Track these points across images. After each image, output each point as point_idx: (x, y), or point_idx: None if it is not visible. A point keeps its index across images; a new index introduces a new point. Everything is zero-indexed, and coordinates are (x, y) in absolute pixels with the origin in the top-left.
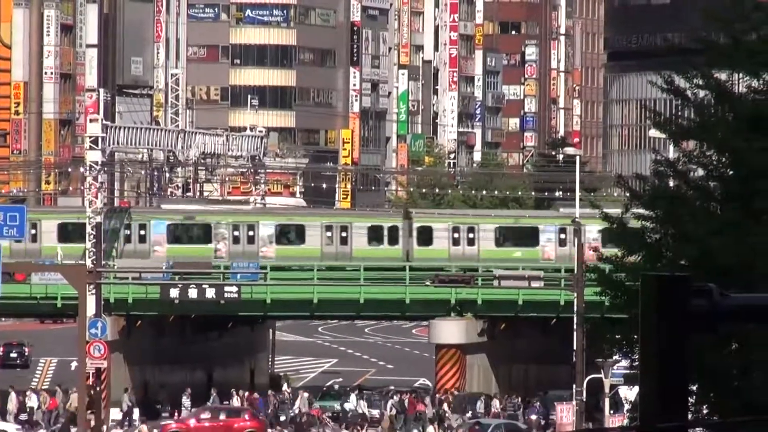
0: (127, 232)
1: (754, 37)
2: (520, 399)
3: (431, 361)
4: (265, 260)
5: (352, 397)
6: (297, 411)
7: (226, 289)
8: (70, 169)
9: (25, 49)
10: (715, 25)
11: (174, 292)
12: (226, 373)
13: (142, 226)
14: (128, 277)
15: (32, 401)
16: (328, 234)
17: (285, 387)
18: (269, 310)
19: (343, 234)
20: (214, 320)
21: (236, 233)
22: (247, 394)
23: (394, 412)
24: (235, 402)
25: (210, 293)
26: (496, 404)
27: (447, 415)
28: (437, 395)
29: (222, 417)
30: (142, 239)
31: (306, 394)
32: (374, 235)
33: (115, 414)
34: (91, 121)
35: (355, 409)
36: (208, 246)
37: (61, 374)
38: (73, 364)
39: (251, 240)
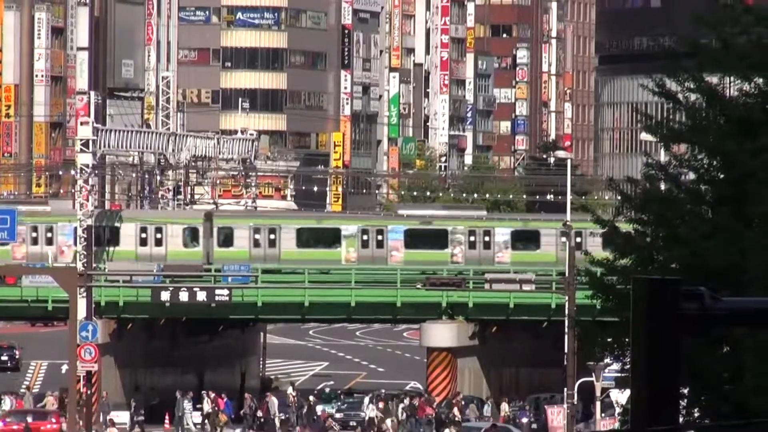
0: (365, 237)
1: (744, 40)
2: (523, 402)
3: (422, 365)
4: (500, 265)
5: (366, 400)
6: (276, 414)
7: (217, 291)
8: (60, 172)
9: (16, 51)
10: (706, 29)
11: (165, 295)
12: (217, 376)
13: (380, 231)
14: (119, 280)
15: (6, 405)
16: (563, 240)
17: (290, 391)
18: (260, 313)
19: (578, 239)
20: (205, 323)
21: (472, 239)
22: (213, 395)
23: (404, 416)
24: (205, 405)
25: (201, 296)
26: (505, 407)
27: (457, 418)
28: (451, 399)
29: (29, 420)
30: (380, 244)
31: (275, 399)
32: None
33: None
34: (81, 123)
35: (367, 412)
36: (444, 251)
37: (51, 377)
38: (64, 367)
39: (487, 245)
